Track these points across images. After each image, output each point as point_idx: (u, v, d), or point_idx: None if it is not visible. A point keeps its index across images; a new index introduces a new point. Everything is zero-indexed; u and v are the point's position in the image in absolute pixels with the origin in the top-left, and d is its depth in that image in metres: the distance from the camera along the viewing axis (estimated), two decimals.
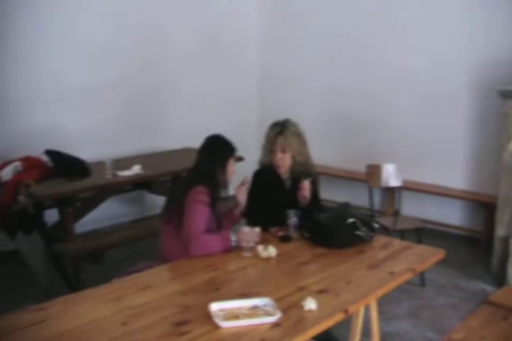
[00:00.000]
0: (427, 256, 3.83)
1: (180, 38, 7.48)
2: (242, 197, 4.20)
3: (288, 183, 4.43)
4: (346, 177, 7.60)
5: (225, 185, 4.04)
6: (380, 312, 4.79)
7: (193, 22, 7.59)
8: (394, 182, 6.19)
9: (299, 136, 4.38)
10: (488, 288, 5.63)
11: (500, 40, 6.43)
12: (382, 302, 4.96)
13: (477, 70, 6.68)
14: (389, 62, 7.35)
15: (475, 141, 6.86)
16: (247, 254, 3.67)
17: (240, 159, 6.35)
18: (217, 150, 4.04)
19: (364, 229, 3.92)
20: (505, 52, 6.39)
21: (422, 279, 5.68)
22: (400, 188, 6.46)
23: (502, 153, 5.84)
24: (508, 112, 5.74)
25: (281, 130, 4.32)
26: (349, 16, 7.64)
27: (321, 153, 7.42)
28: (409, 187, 6.92)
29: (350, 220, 3.90)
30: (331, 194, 7.54)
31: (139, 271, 3.62)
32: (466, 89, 6.82)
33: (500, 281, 5.68)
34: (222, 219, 4.14)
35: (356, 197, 6.89)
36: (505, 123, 5.77)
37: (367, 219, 4.05)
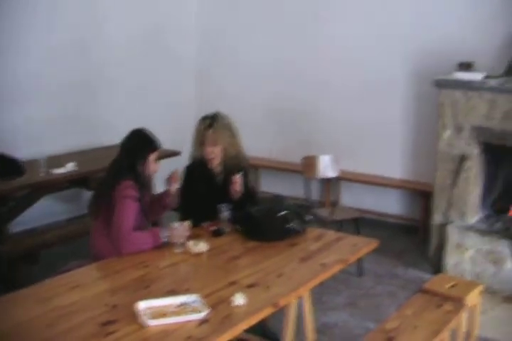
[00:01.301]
0: (360, 246, 3.87)
1: (118, 33, 7.34)
2: (173, 187, 4.14)
3: (220, 177, 4.40)
4: (285, 169, 7.56)
5: (146, 180, 3.97)
6: (319, 303, 4.84)
7: (131, 16, 7.45)
8: (330, 173, 6.21)
9: (230, 129, 4.36)
10: (426, 275, 5.67)
11: (437, 31, 6.48)
12: (320, 292, 4.99)
13: (415, 60, 6.73)
14: (327, 53, 7.33)
15: (412, 130, 6.92)
16: (178, 250, 3.64)
17: (176, 154, 6.34)
18: (138, 144, 3.96)
19: (296, 221, 3.93)
20: (441, 42, 6.45)
21: (360, 269, 5.70)
22: (337, 179, 6.50)
23: (438, 141, 5.91)
24: (444, 101, 5.82)
25: (211, 123, 4.30)
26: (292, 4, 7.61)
27: (260, 146, 7.50)
28: (347, 178, 6.97)
29: (282, 213, 3.90)
30: (271, 186, 7.57)
31: (69, 270, 3.57)
32: (404, 79, 6.86)
33: (437, 268, 5.76)
34: (151, 210, 4.11)
35: (295, 188, 6.91)
36: (441, 112, 5.85)
37: (300, 211, 4.06)
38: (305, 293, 3.60)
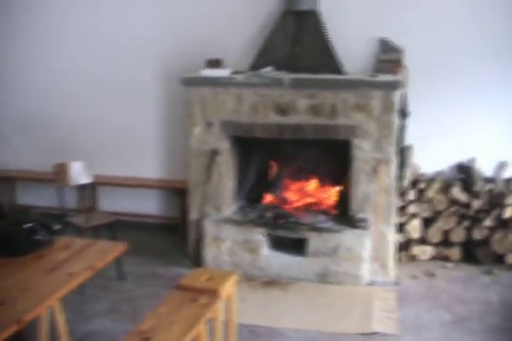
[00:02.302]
0: (108, 251, 3.85)
1: None
2: None
3: None
4: (40, 179, 7.28)
5: None
6: (79, 312, 4.79)
7: None
8: (83, 179, 6.10)
9: None
10: (188, 272, 5.73)
11: (186, 30, 6.62)
12: (80, 301, 4.96)
13: (164, 60, 6.81)
14: (77, 57, 7.19)
15: (165, 129, 7.01)
16: None
17: None
18: None
19: (43, 232, 3.84)
20: (190, 41, 6.61)
21: (120, 273, 5.66)
22: (92, 185, 6.42)
23: (189, 138, 6.03)
24: (192, 99, 5.95)
25: None
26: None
27: (16, 158, 7.30)
28: (103, 183, 6.92)
29: (27, 225, 3.80)
30: (28, 198, 7.37)
31: None
32: (154, 80, 6.92)
33: (197, 264, 5.89)
34: None
35: (52, 198, 6.74)
36: (190, 109, 5.97)
37: (47, 221, 3.97)
38: (54, 304, 3.54)
